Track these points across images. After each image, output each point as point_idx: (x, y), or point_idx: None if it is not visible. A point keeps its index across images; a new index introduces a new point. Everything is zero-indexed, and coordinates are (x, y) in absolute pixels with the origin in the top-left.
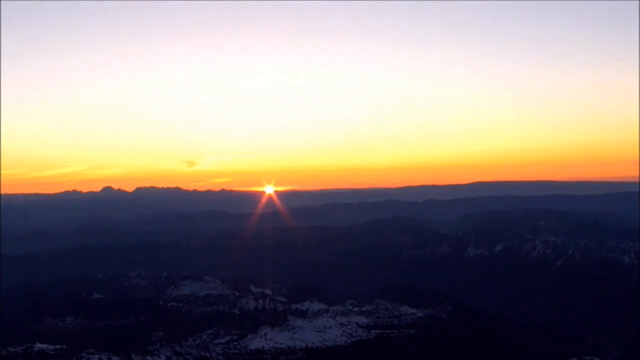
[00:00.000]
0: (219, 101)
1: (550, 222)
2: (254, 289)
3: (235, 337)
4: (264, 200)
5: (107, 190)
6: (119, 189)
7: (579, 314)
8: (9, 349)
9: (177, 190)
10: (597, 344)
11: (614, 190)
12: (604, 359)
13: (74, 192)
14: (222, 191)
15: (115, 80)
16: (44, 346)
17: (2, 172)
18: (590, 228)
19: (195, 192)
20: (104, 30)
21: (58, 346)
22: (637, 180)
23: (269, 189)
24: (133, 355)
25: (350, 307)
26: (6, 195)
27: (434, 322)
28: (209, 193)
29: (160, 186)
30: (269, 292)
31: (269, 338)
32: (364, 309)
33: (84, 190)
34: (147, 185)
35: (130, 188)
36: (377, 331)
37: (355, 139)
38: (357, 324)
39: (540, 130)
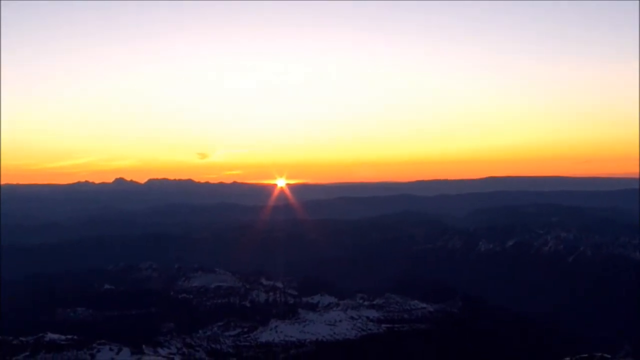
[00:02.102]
0: (232, 94)
1: (562, 217)
2: (264, 282)
3: (245, 330)
4: (275, 193)
5: (119, 181)
6: (131, 181)
7: (590, 309)
8: (21, 338)
9: (189, 182)
10: (608, 338)
11: (626, 186)
12: (615, 354)
13: (86, 183)
14: (234, 184)
15: (129, 72)
16: (55, 336)
17: (14, 162)
18: (601, 224)
19: (207, 185)
20: (118, 22)
21: (69, 336)
22: None
23: (281, 182)
24: (144, 346)
25: (360, 301)
26: (18, 185)
27: (445, 317)
28: (221, 185)
29: (172, 178)
30: (279, 285)
31: (279, 331)
32: (374, 302)
33: (96, 182)
34: (159, 177)
35: (142, 179)
36: (388, 325)
37: (368, 132)
38: (367, 317)
39: (552, 125)
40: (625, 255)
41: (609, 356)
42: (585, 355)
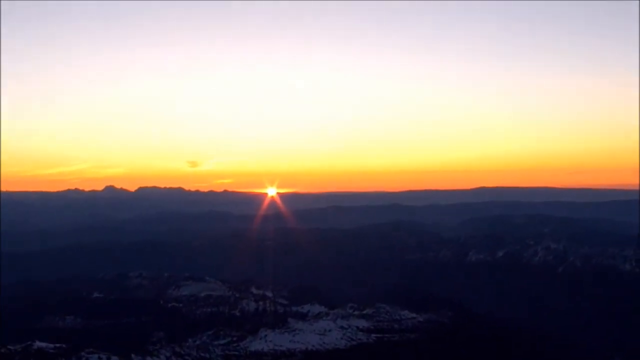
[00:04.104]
0: (222, 102)
1: (553, 228)
2: (254, 291)
3: (235, 339)
4: (266, 201)
5: (110, 189)
6: (121, 188)
7: (580, 320)
8: (9, 347)
9: (180, 191)
10: (598, 349)
11: (616, 197)
12: None
13: (76, 190)
14: (225, 192)
15: (118, 80)
16: (44, 345)
17: (4, 169)
18: (591, 235)
19: (197, 193)
20: (107, 29)
21: (58, 345)
22: (639, 187)
23: (272, 191)
24: (133, 355)
25: (350, 311)
26: (8, 192)
27: (435, 327)
28: (211, 194)
29: (162, 186)
30: (269, 294)
31: (269, 340)
32: (364, 312)
33: (86, 189)
34: (149, 185)
35: (132, 187)
36: (378, 335)
37: (360, 142)
38: (357, 327)
39: (544, 136)
40: (614, 266)
41: None
42: None
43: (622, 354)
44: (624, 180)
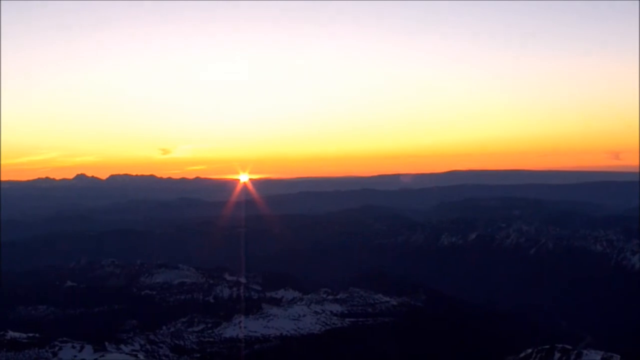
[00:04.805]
0: (194, 89)
1: (525, 211)
2: (228, 277)
3: (209, 325)
4: (238, 188)
5: (81, 177)
6: (92, 177)
7: (552, 301)
8: None
9: (152, 178)
10: (569, 330)
11: (589, 179)
12: (577, 344)
13: (47, 179)
14: (197, 179)
15: (88, 67)
16: (17, 334)
17: None
18: (564, 217)
19: (169, 180)
20: (77, 16)
21: (31, 334)
22: (611, 169)
23: (244, 177)
24: (106, 343)
25: (324, 296)
26: None
27: (408, 310)
28: (183, 181)
29: (134, 174)
30: (243, 280)
31: (243, 326)
32: (338, 297)
33: (57, 178)
34: (121, 172)
35: (103, 175)
36: (352, 319)
37: (330, 127)
38: (331, 312)
39: (515, 119)
40: (585, 247)
41: (570, 347)
42: (548, 346)
43: (593, 334)
44: (595, 162)
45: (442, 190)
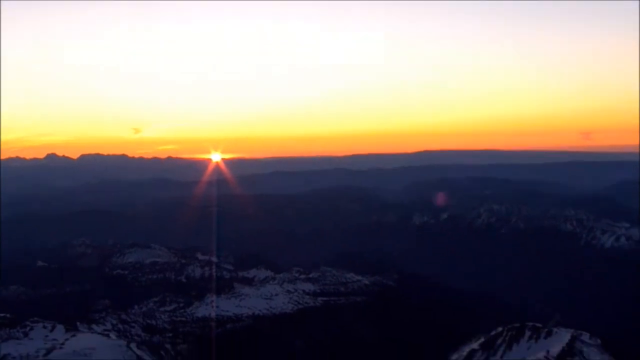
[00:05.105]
0: (165, 68)
1: (496, 190)
2: (200, 257)
3: (181, 305)
4: (210, 168)
5: (51, 157)
6: (63, 156)
7: (523, 280)
8: None
9: (123, 158)
10: (540, 309)
11: (560, 159)
12: (546, 323)
13: (17, 159)
14: (169, 158)
15: (59, 44)
16: None
17: None
18: (535, 197)
19: (141, 160)
20: None
21: (2, 314)
22: (582, 150)
23: (216, 157)
24: (78, 323)
25: (296, 275)
26: None
27: (381, 289)
28: (155, 160)
29: (105, 153)
30: (215, 260)
31: (215, 306)
32: (310, 276)
33: (27, 157)
34: (92, 152)
35: (74, 155)
36: (324, 298)
37: (303, 106)
38: (303, 291)
39: (487, 99)
40: (555, 227)
41: (540, 325)
42: (518, 324)
43: (563, 312)
44: (566, 142)
45: (415, 170)
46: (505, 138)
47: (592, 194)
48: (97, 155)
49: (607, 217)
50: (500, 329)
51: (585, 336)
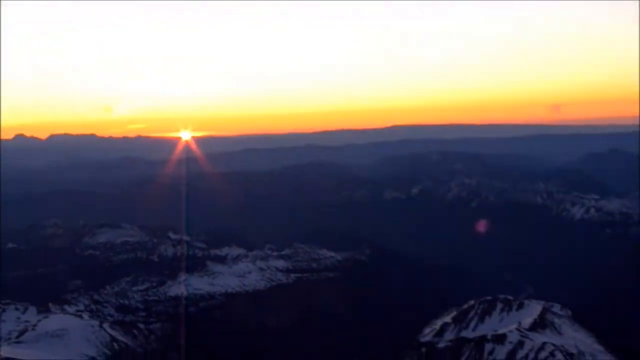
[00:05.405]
0: (134, 46)
1: (466, 164)
2: (172, 236)
3: (154, 284)
4: (181, 146)
5: (19, 137)
6: (32, 137)
7: (494, 253)
8: None
9: (93, 137)
10: (511, 281)
11: (529, 132)
12: (518, 295)
13: None
14: (139, 137)
15: (27, 24)
16: None
17: None
18: (504, 170)
19: (111, 139)
20: None
21: None
22: (551, 123)
23: (186, 135)
24: (50, 304)
25: (269, 252)
26: None
27: (353, 265)
28: (125, 140)
29: (75, 133)
30: (187, 238)
31: (188, 284)
32: (283, 253)
33: None
34: (61, 132)
35: (43, 135)
36: (297, 275)
37: (272, 83)
38: (276, 268)
39: (455, 73)
40: (526, 200)
41: (511, 298)
42: (489, 297)
43: (534, 285)
44: (535, 115)
45: (385, 146)
46: (475, 112)
47: (562, 167)
48: (66, 135)
49: (576, 190)
50: (472, 302)
51: (556, 308)
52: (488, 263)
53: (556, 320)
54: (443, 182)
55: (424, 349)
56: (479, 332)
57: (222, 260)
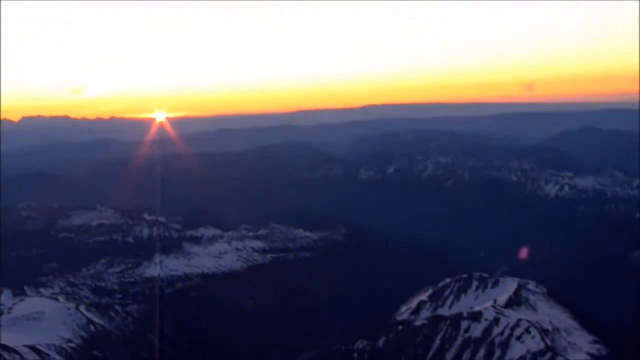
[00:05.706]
0: (107, 25)
1: (441, 143)
2: (147, 217)
3: (130, 266)
4: (155, 127)
5: None
6: (4, 119)
7: (470, 231)
8: None
9: (66, 120)
10: (487, 259)
11: (503, 111)
12: (493, 273)
13: None
14: (113, 119)
15: None
16: None
17: None
18: (479, 148)
19: (84, 121)
20: None
21: None
22: (525, 100)
23: (160, 116)
24: (26, 287)
25: (245, 232)
26: None
27: (329, 244)
28: (98, 121)
29: (48, 115)
30: (162, 219)
31: (164, 265)
32: (259, 233)
33: None
34: (33, 114)
35: (15, 118)
36: (273, 255)
37: (245, 63)
38: (252, 248)
39: (432, 52)
40: (501, 178)
41: (487, 275)
42: (465, 275)
43: (510, 262)
44: (508, 94)
45: (360, 125)
46: (449, 91)
47: (536, 145)
48: (39, 117)
49: (551, 167)
50: (448, 280)
51: (531, 285)
52: (464, 241)
53: (531, 297)
54: (418, 160)
55: (400, 327)
56: (455, 310)
57: (197, 241)
